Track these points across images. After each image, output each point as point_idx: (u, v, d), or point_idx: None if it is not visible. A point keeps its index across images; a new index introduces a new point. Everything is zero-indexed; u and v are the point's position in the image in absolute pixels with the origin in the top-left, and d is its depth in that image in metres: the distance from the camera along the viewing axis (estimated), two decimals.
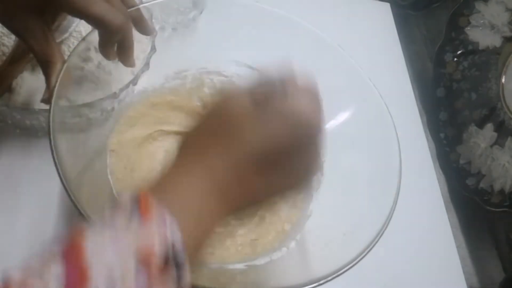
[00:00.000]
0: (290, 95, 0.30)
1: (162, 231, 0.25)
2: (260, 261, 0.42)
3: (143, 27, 0.44)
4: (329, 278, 0.34)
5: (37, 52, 0.37)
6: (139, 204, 0.26)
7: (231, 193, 0.30)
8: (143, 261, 0.24)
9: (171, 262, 0.24)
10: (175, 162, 0.31)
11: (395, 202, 0.40)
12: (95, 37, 0.40)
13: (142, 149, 0.48)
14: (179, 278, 0.25)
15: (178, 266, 0.25)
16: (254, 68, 0.52)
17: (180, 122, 0.50)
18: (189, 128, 0.32)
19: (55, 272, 0.22)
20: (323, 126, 0.32)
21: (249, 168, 0.30)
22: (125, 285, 0.23)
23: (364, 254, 0.36)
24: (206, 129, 0.31)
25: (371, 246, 0.36)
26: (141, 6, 0.45)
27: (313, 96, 0.32)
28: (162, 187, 0.29)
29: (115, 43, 0.40)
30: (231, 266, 0.41)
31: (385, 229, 0.38)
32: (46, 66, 0.37)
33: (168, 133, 0.50)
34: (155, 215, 0.25)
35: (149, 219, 0.25)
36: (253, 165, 0.30)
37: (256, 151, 0.29)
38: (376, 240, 0.37)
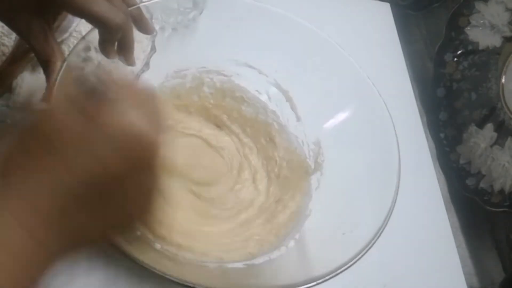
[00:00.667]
0: (122, 109, 0.26)
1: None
2: (259, 260, 0.42)
3: (143, 26, 0.44)
4: (328, 277, 0.34)
5: (37, 51, 0.37)
6: None
7: (50, 242, 0.25)
8: None
9: None
10: None
11: (394, 201, 0.40)
12: (95, 36, 0.40)
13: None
14: None
15: None
16: (253, 67, 0.52)
17: (180, 121, 0.51)
18: (8, 146, 0.26)
19: None
20: (159, 145, 0.27)
21: (73, 199, 0.25)
22: None
23: (363, 253, 0.36)
24: (21, 149, 0.25)
25: (370, 245, 0.36)
26: (141, 5, 0.45)
27: (150, 110, 0.27)
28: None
29: (115, 41, 0.40)
30: (230, 265, 0.41)
31: (384, 228, 0.38)
32: (46, 65, 0.38)
33: (172, 131, 0.50)
34: None
35: None
36: (78, 195, 0.25)
37: (80, 178, 0.25)
38: (375, 239, 0.37)
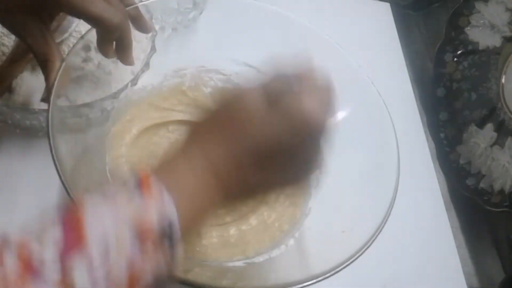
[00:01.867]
0: (302, 94, 0.31)
1: (161, 208, 0.26)
2: (259, 259, 0.42)
3: (142, 25, 0.44)
4: (328, 275, 0.34)
5: (35, 51, 0.37)
6: (140, 182, 0.27)
7: (227, 181, 0.30)
8: (139, 235, 0.25)
9: (166, 238, 0.25)
10: (179, 148, 0.31)
11: (393, 200, 0.40)
12: (94, 36, 0.40)
13: (142, 148, 0.48)
14: (171, 254, 0.26)
15: (172, 243, 0.26)
16: (252, 67, 0.52)
17: (179, 120, 0.51)
18: (198, 119, 0.32)
19: (53, 236, 0.23)
20: (328, 126, 0.32)
21: (248, 161, 0.30)
22: (119, 255, 0.24)
23: (362, 251, 0.36)
24: (214, 120, 0.32)
25: (369, 244, 0.36)
26: (140, 4, 0.45)
27: (325, 96, 0.32)
28: (162, 168, 0.30)
29: (113, 41, 0.40)
30: (230, 264, 0.41)
31: (383, 226, 0.38)
32: (45, 65, 0.38)
33: (168, 131, 0.50)
34: (154, 192, 0.26)
35: (149, 196, 0.26)
36: (253, 159, 0.30)
37: (258, 147, 0.30)
38: (374, 237, 0.37)
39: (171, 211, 0.26)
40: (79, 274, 0.23)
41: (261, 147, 0.30)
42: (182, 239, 0.27)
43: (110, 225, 0.24)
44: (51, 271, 0.22)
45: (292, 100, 0.30)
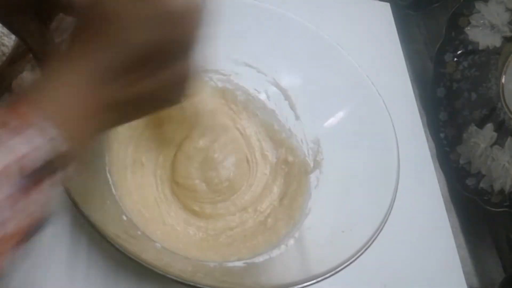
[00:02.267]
0: None
1: (37, 139, 0.25)
2: (259, 259, 0.42)
3: None
4: (328, 275, 0.34)
5: (35, 51, 0.37)
6: (12, 114, 0.25)
7: (105, 83, 0.29)
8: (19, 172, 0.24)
9: (43, 166, 0.25)
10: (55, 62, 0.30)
11: (393, 200, 0.40)
12: None
13: (142, 147, 0.48)
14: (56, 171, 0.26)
15: (54, 164, 0.25)
16: (252, 66, 0.52)
17: (179, 118, 0.51)
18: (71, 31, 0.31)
19: None
20: (199, 23, 0.30)
21: (122, 64, 0.29)
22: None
23: (362, 251, 0.36)
24: (83, 28, 0.29)
25: (369, 244, 0.36)
26: None
27: None
28: (34, 93, 0.28)
29: None
30: (230, 264, 0.41)
31: (383, 226, 0.38)
32: (44, 65, 0.38)
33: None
34: (31, 122, 0.25)
35: (24, 128, 0.25)
36: (125, 62, 0.29)
37: (128, 46, 0.28)
38: (374, 237, 0.37)
39: (52, 139, 0.25)
40: None
41: (133, 48, 0.28)
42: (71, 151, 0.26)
43: None
44: None
45: None
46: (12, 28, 0.38)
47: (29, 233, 0.25)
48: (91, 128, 0.30)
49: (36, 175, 0.25)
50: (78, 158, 0.28)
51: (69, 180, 0.28)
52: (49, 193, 0.26)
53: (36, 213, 0.25)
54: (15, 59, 0.46)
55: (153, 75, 0.30)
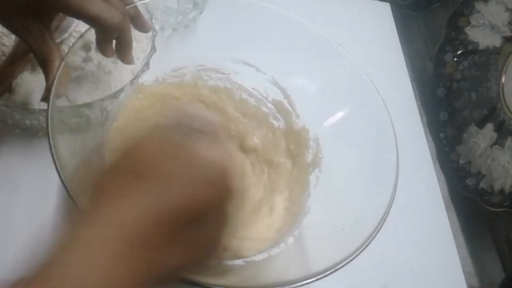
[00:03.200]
0: (211, 142, 0.27)
1: None
2: (259, 257, 0.42)
3: (141, 24, 0.44)
4: (327, 273, 0.34)
5: (35, 50, 0.37)
6: None
7: (140, 251, 0.24)
8: None
9: None
10: (73, 228, 0.24)
11: (392, 198, 0.40)
12: (94, 36, 0.40)
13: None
14: None
15: None
16: (252, 65, 0.52)
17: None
18: (99, 176, 0.27)
19: None
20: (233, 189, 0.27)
21: (161, 227, 0.24)
22: None
23: (361, 249, 0.36)
24: (113, 173, 0.26)
25: (368, 242, 0.36)
26: (140, 3, 0.45)
27: (226, 147, 0.28)
28: (51, 273, 0.22)
29: (112, 41, 0.40)
30: (229, 262, 0.41)
31: (382, 224, 0.38)
32: (44, 64, 0.38)
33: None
34: None
35: None
36: (167, 223, 0.24)
37: (170, 204, 0.24)
38: (373, 235, 0.37)
39: None
40: None
41: (173, 208, 0.24)
42: None
43: None
44: None
45: (204, 145, 0.26)
46: (12, 28, 0.38)
47: None
48: None
49: None
50: None
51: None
52: None
53: None
54: (15, 59, 0.46)
55: (191, 234, 0.26)
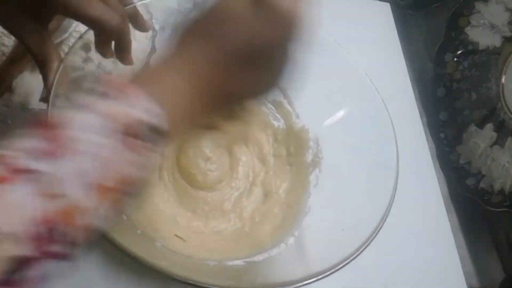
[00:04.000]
0: None
1: (145, 105, 0.26)
2: (259, 258, 0.42)
3: (140, 24, 0.44)
4: (327, 273, 0.34)
5: (33, 51, 0.37)
6: (118, 88, 0.27)
7: (209, 79, 0.31)
8: (126, 131, 0.25)
9: (152, 133, 0.26)
10: (164, 59, 0.32)
11: (392, 198, 0.40)
12: (92, 36, 0.40)
13: None
14: (155, 143, 0.27)
15: (159, 136, 0.27)
16: None
17: None
18: (186, 23, 0.32)
19: (28, 143, 0.24)
20: (302, 24, 0.32)
21: (229, 62, 0.31)
22: (102, 150, 0.24)
23: (361, 249, 0.36)
24: (201, 23, 0.32)
25: (368, 242, 0.36)
26: (140, 3, 0.45)
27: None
28: (142, 77, 0.31)
29: (111, 42, 0.40)
30: (230, 263, 0.41)
31: (382, 225, 0.38)
32: (42, 65, 0.38)
33: None
34: (134, 94, 0.27)
35: (129, 97, 0.26)
36: (234, 60, 0.31)
37: (240, 48, 0.31)
38: (374, 235, 0.37)
39: (152, 109, 0.26)
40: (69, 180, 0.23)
41: (243, 48, 0.31)
42: (169, 133, 0.28)
43: (94, 123, 0.25)
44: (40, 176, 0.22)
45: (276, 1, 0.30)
46: (10, 29, 0.38)
47: (125, 191, 0.26)
48: (189, 119, 0.31)
49: (138, 137, 0.26)
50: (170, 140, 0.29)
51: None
52: (146, 160, 0.27)
53: (133, 172, 0.26)
54: (15, 59, 0.46)
55: (255, 70, 0.32)
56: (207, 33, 0.31)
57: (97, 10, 0.36)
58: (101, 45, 0.39)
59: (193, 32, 0.32)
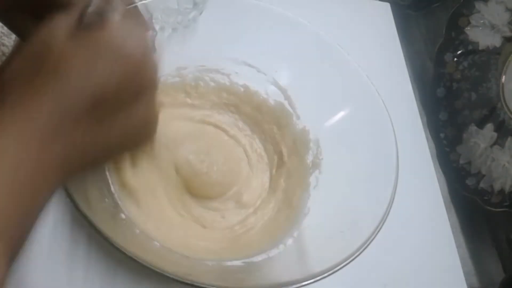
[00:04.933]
0: (123, 30, 0.26)
1: None
2: (258, 258, 0.42)
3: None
4: (326, 274, 0.34)
5: None
6: None
7: (63, 145, 0.24)
8: None
9: None
10: None
11: (392, 198, 0.40)
12: None
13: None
14: None
15: None
16: (252, 66, 0.52)
17: (179, 115, 0.51)
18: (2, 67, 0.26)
19: None
20: (157, 69, 0.28)
21: (71, 120, 0.24)
22: None
23: (360, 251, 0.36)
24: (21, 69, 0.25)
25: (368, 243, 0.36)
26: (140, 3, 0.45)
27: (142, 31, 0.28)
28: None
29: None
30: (228, 263, 0.41)
31: (382, 226, 0.38)
32: None
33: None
34: None
35: None
36: (77, 116, 0.24)
37: (79, 98, 0.24)
38: (373, 237, 0.37)
39: None
40: None
41: (87, 93, 0.24)
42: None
43: None
44: None
45: (105, 31, 0.25)
46: (10, 26, 0.38)
47: None
48: (42, 188, 0.24)
49: None
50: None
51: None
52: None
53: None
54: None
55: (114, 119, 0.26)
56: (46, 76, 0.24)
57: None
58: None
59: (17, 77, 0.24)
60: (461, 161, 0.66)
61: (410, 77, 0.73)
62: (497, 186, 0.60)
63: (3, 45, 0.48)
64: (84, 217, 0.34)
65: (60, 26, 0.25)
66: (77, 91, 0.24)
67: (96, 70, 0.25)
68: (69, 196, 0.33)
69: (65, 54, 0.24)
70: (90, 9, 0.26)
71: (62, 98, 0.24)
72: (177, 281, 0.34)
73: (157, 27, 0.50)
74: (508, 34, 0.63)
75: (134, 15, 0.29)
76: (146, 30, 0.28)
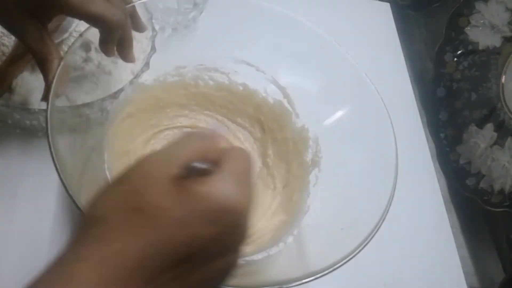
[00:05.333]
0: (218, 176, 0.25)
1: None
2: (258, 256, 0.42)
3: (136, 24, 0.44)
4: (326, 272, 0.34)
5: (33, 50, 0.37)
6: None
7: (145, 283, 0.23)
8: None
9: None
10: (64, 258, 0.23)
11: (391, 197, 0.40)
12: (92, 35, 0.40)
13: (141, 145, 0.48)
14: None
15: None
16: (251, 65, 0.52)
17: (179, 116, 0.51)
18: (90, 206, 0.25)
19: None
20: (248, 212, 0.26)
21: (158, 269, 0.23)
22: None
23: (360, 248, 0.36)
24: (115, 212, 0.24)
25: (367, 241, 0.36)
26: (139, 2, 0.45)
27: (244, 176, 0.26)
28: None
29: (116, 40, 0.40)
30: None
31: (381, 224, 0.38)
32: (43, 64, 0.38)
33: (168, 128, 0.50)
34: None
35: None
36: (162, 265, 0.24)
37: (168, 247, 0.24)
38: (372, 234, 0.37)
39: None
40: None
41: (176, 250, 0.24)
42: None
43: None
44: None
45: (205, 185, 0.24)
46: (11, 28, 0.38)
47: None
48: None
49: None
50: None
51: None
52: None
53: None
54: (15, 59, 0.46)
55: (197, 271, 0.25)
56: (127, 220, 0.23)
57: (100, 7, 0.36)
58: (106, 44, 0.39)
59: (107, 213, 0.24)
60: (461, 161, 0.66)
61: (410, 77, 0.73)
62: (497, 186, 0.60)
63: (3, 45, 0.48)
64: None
65: (161, 173, 0.24)
66: (169, 244, 0.23)
67: (190, 227, 0.24)
68: (70, 196, 0.33)
69: (163, 207, 0.24)
70: (196, 163, 0.26)
71: (152, 248, 0.23)
72: None
73: (157, 27, 0.50)
74: (508, 34, 0.63)
75: None
76: (249, 183, 0.26)
